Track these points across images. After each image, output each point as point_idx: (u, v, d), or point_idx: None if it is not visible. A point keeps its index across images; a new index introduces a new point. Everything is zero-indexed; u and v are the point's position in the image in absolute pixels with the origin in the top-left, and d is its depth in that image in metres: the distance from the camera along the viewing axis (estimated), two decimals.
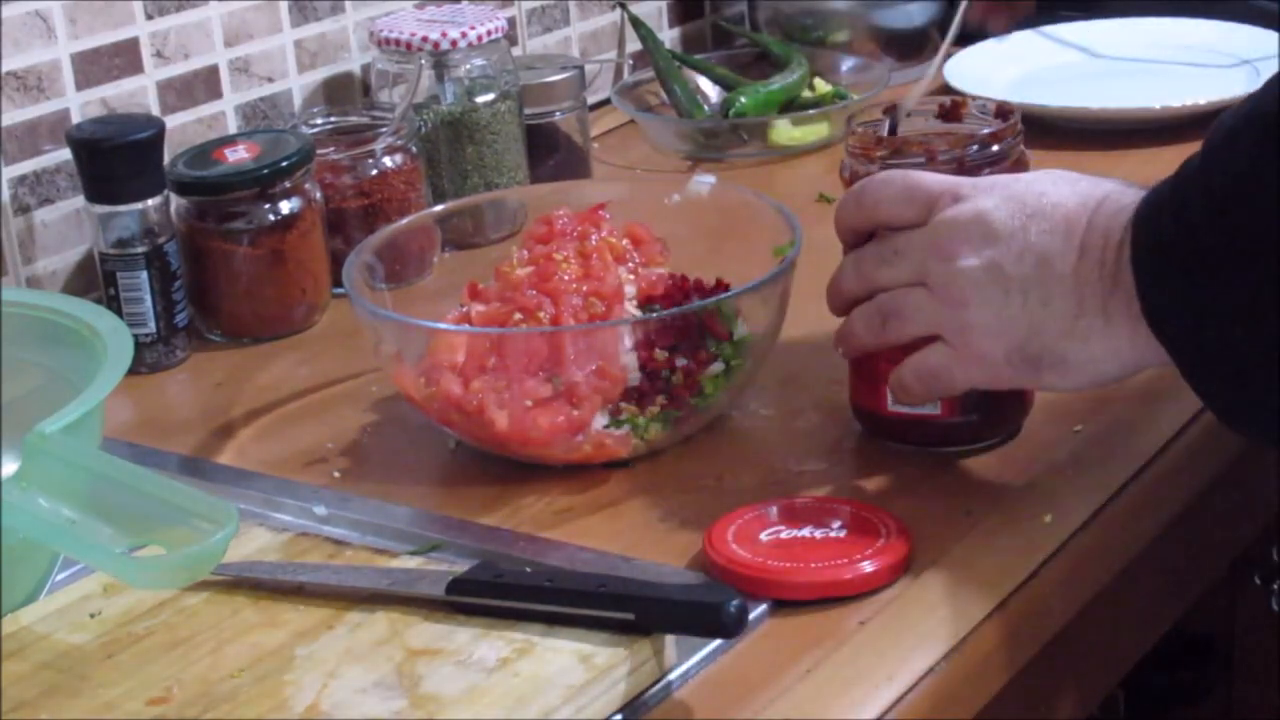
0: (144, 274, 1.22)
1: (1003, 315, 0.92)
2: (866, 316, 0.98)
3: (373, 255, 1.12)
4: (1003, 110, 1.07)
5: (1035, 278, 0.91)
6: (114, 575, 0.90)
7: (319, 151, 1.30)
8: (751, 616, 0.87)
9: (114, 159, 1.20)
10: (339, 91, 1.47)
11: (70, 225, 1.30)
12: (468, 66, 1.39)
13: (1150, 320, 0.87)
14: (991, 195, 0.93)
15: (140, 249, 1.22)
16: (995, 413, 1.02)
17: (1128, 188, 0.91)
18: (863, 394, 1.04)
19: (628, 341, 1.02)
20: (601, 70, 1.68)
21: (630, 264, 1.10)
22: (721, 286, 1.10)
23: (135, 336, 1.06)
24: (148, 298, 1.22)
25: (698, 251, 1.14)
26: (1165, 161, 0.85)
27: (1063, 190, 0.92)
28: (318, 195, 1.28)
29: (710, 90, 1.63)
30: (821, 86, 1.61)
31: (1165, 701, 1.29)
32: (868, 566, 0.90)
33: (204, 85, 1.38)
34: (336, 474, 1.07)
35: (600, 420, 1.03)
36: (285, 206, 1.26)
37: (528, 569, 0.93)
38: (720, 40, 1.78)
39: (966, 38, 1.68)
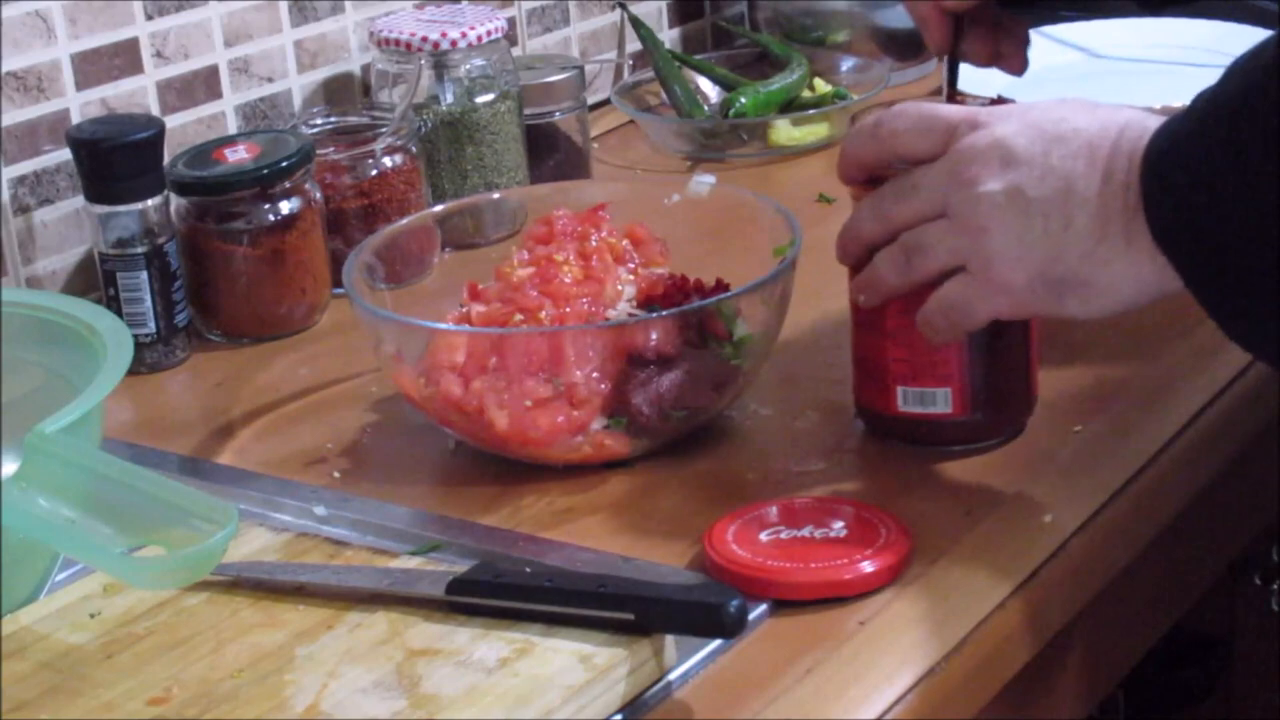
0: (144, 274, 1.22)
1: (1025, 240, 0.90)
2: (890, 256, 0.96)
3: (373, 255, 1.12)
4: (1003, 104, 1.06)
5: (1057, 201, 0.89)
6: (114, 575, 0.90)
7: (319, 151, 1.30)
8: (751, 616, 0.87)
9: (114, 159, 1.20)
10: (339, 91, 1.47)
11: (70, 225, 1.30)
12: (468, 66, 1.39)
13: (1157, 237, 0.86)
14: (1010, 122, 0.93)
15: (140, 249, 1.22)
16: (1000, 411, 1.02)
17: (1149, 115, 0.91)
18: (868, 393, 1.04)
19: None
20: (601, 70, 1.68)
21: (630, 264, 1.10)
22: (721, 286, 1.10)
23: (135, 336, 1.06)
24: (148, 298, 1.22)
25: (698, 251, 1.14)
26: None
27: (1083, 117, 0.92)
28: (318, 195, 1.28)
29: (710, 90, 1.63)
30: (821, 86, 1.61)
31: (1165, 701, 1.29)
32: (868, 566, 0.90)
33: (204, 85, 1.38)
34: (336, 474, 1.07)
35: (600, 420, 1.03)
36: (285, 206, 1.26)
37: (528, 569, 0.93)
38: (720, 40, 1.78)
39: None
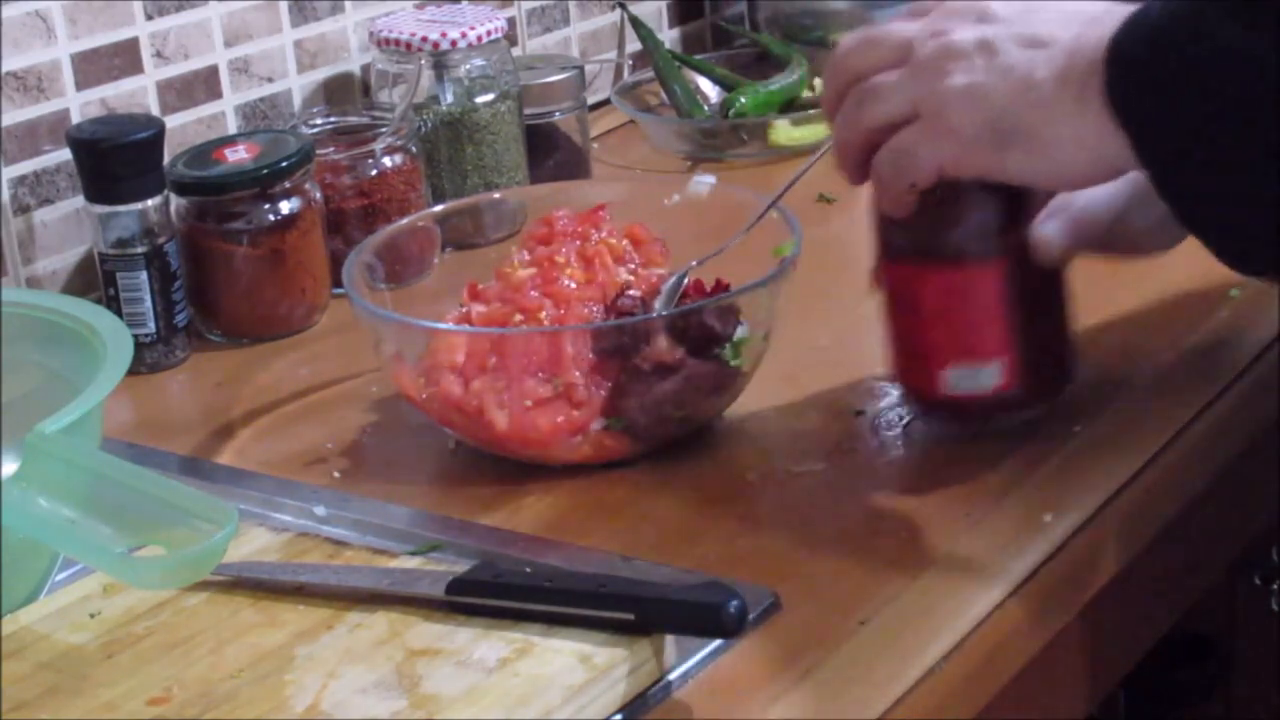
0: (144, 274, 1.22)
1: (984, 87, 0.91)
2: (844, 113, 0.96)
3: (373, 255, 1.12)
4: None
5: (1024, 56, 0.90)
6: (114, 575, 0.90)
7: (319, 151, 1.30)
8: (751, 616, 0.87)
9: (114, 159, 1.20)
10: (339, 91, 1.47)
11: (70, 225, 1.30)
12: (468, 66, 1.39)
13: (1112, 103, 0.87)
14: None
15: (140, 249, 1.22)
16: (1048, 374, 1.02)
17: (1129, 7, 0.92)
18: (911, 373, 1.02)
19: None
20: (601, 70, 1.68)
21: (630, 264, 1.10)
22: (721, 286, 1.10)
23: (135, 336, 1.06)
24: (148, 298, 1.22)
25: (698, 251, 1.14)
26: None
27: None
28: (318, 195, 1.28)
29: (710, 90, 1.63)
30: (821, 86, 1.60)
31: (1165, 701, 1.29)
32: None
33: (204, 85, 1.38)
34: (336, 474, 1.07)
35: (600, 420, 1.03)
36: (285, 206, 1.26)
37: (528, 569, 0.93)
38: (720, 40, 1.78)
39: None
